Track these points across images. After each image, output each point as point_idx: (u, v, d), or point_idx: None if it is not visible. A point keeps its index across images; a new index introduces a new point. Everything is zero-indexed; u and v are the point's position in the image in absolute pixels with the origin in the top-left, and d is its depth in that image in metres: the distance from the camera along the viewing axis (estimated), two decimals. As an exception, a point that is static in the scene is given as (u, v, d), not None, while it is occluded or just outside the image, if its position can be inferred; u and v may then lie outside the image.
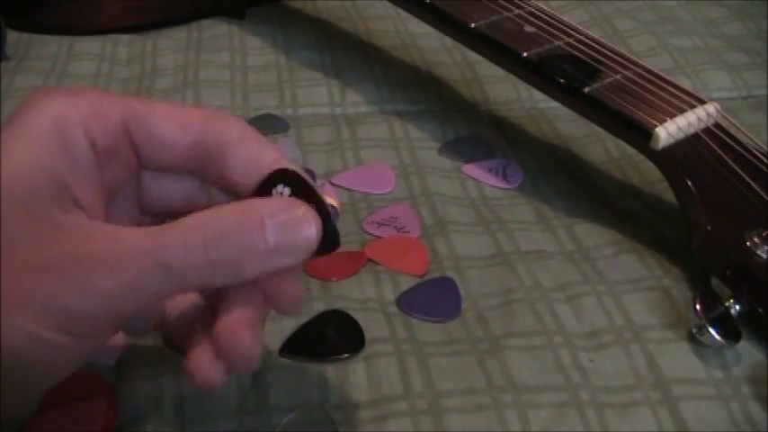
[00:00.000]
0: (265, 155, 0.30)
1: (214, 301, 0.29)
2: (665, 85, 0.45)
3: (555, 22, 0.49)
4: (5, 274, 0.25)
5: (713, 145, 0.43)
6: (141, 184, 0.32)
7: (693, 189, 0.41)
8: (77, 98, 0.29)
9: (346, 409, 0.35)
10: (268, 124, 0.55)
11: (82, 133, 0.28)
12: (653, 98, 0.44)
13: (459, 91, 0.59)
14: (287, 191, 0.29)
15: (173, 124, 0.30)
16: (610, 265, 0.43)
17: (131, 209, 0.32)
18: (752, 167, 0.41)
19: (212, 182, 0.31)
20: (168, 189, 0.32)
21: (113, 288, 0.26)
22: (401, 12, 0.64)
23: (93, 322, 0.26)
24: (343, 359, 0.37)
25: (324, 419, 0.35)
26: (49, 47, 0.63)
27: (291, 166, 0.29)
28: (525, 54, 0.46)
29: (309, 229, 0.28)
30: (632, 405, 0.36)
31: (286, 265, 0.28)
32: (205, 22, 0.67)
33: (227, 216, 0.27)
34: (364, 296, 0.41)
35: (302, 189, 0.29)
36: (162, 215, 0.32)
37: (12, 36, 0.64)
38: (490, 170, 0.51)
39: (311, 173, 0.49)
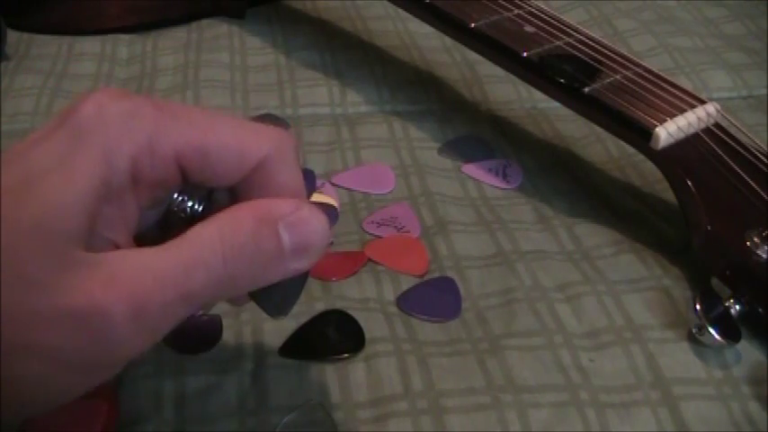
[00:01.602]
0: (295, 188, 0.29)
1: None
2: (665, 85, 0.45)
3: (555, 22, 0.49)
4: (15, 320, 0.23)
5: (713, 145, 0.43)
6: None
7: (693, 189, 0.41)
8: (136, 124, 0.26)
9: (346, 409, 0.35)
10: (268, 124, 0.55)
11: (128, 165, 0.26)
12: (653, 98, 0.44)
13: (459, 91, 0.59)
14: None
15: (233, 159, 0.28)
16: (610, 265, 0.43)
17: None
18: (752, 167, 0.41)
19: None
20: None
21: (135, 335, 0.24)
22: (401, 12, 0.64)
23: (109, 366, 0.25)
24: (343, 359, 0.37)
25: (324, 419, 0.35)
26: (49, 47, 0.63)
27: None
28: (525, 54, 0.46)
29: (321, 225, 0.27)
30: (632, 405, 0.36)
31: (303, 268, 0.27)
32: (205, 22, 0.67)
33: (242, 226, 0.26)
34: (364, 296, 0.41)
35: None
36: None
37: (12, 36, 0.64)
38: (490, 170, 0.51)
39: (311, 173, 0.49)
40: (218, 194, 0.30)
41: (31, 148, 0.25)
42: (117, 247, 0.26)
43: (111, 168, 0.25)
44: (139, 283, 0.24)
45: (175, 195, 0.29)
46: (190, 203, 0.29)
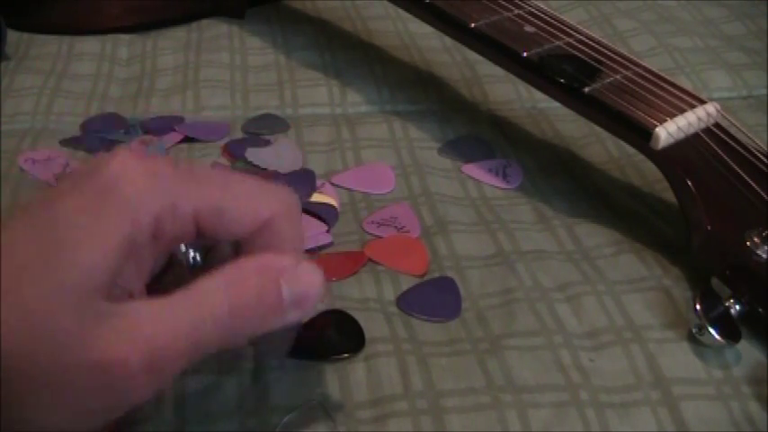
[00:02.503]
0: (296, 242, 0.31)
1: None
2: (665, 85, 0.45)
3: (555, 22, 0.49)
4: (47, 377, 0.25)
5: (713, 145, 0.43)
6: None
7: (693, 189, 0.41)
8: (160, 184, 0.28)
9: (346, 409, 0.35)
10: (268, 124, 0.55)
11: (150, 223, 0.27)
12: (653, 98, 0.44)
13: (459, 91, 0.59)
14: None
15: (246, 218, 0.30)
16: (610, 265, 0.43)
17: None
18: (752, 167, 0.41)
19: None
20: None
21: (148, 383, 0.26)
22: (401, 12, 0.64)
23: (118, 409, 0.27)
24: (343, 359, 0.37)
25: (324, 419, 0.35)
26: (49, 47, 0.63)
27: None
28: (525, 54, 0.46)
29: (318, 279, 0.30)
30: (632, 405, 0.36)
31: (299, 318, 0.29)
32: (205, 22, 0.67)
33: (247, 281, 0.28)
34: (364, 296, 0.41)
35: None
36: None
37: (12, 36, 0.64)
38: (490, 170, 0.51)
39: (311, 173, 0.49)
40: (220, 245, 0.32)
41: (59, 202, 0.26)
42: (131, 295, 0.29)
43: (136, 226, 0.27)
44: (155, 336, 0.26)
45: (180, 246, 0.31)
46: (192, 254, 0.32)
